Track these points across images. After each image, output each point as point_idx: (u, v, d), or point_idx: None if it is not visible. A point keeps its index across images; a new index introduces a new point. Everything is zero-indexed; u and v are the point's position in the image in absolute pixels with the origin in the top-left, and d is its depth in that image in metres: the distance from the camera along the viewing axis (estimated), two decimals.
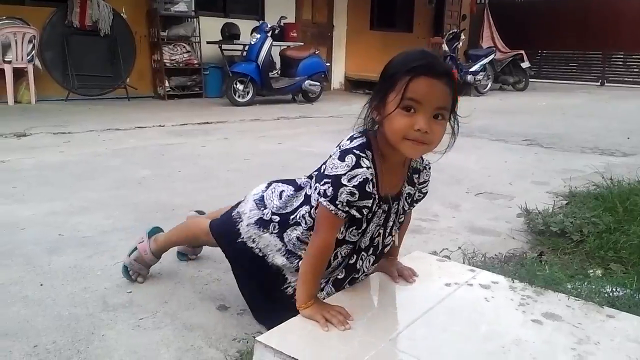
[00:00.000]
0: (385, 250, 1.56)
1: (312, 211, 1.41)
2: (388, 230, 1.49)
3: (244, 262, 1.57)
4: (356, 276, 1.53)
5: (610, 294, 1.71)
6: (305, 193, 1.47)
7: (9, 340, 1.51)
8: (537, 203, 2.76)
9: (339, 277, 1.51)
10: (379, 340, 1.26)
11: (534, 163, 4.21)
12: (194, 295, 1.82)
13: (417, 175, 1.51)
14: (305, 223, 1.44)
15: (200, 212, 2.12)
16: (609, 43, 13.64)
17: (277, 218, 1.50)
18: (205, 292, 1.84)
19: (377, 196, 1.36)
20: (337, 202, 1.29)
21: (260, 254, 1.52)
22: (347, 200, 1.29)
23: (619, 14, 13.38)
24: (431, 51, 1.33)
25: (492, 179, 3.63)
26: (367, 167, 1.29)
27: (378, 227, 1.46)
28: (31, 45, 6.89)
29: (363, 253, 1.49)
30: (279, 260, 1.50)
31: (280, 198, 1.53)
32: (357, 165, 1.28)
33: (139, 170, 3.62)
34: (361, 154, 1.30)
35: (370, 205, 1.34)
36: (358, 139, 1.34)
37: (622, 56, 14.35)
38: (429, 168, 1.53)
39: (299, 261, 1.47)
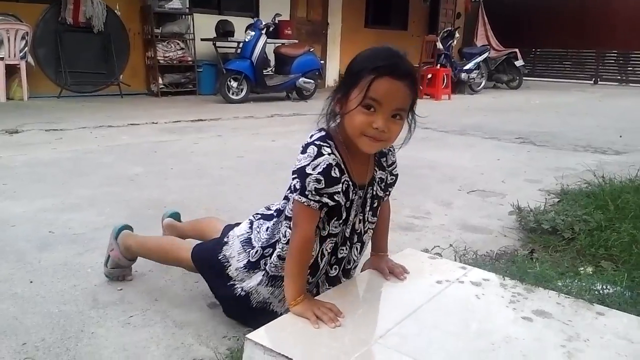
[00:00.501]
0: (367, 237, 1.57)
1: (291, 223, 1.42)
2: (365, 216, 1.51)
3: (233, 298, 1.55)
4: (347, 267, 1.54)
5: (601, 292, 1.72)
6: (285, 214, 1.47)
7: None
8: (529, 201, 2.77)
9: (330, 274, 1.51)
10: (370, 338, 1.26)
11: (527, 161, 4.22)
12: (184, 292, 1.81)
13: (384, 159, 1.53)
14: (285, 237, 1.44)
15: (174, 216, 2.09)
16: (603, 42, 13.71)
17: (268, 251, 1.49)
18: (196, 289, 1.83)
19: (350, 182, 1.38)
20: (306, 192, 1.31)
21: (243, 294, 1.51)
22: (315, 188, 1.31)
23: (613, 12, 13.45)
24: (397, 50, 1.35)
25: (485, 176, 3.63)
26: (329, 154, 1.33)
27: (357, 215, 1.47)
28: (24, 41, 6.85)
29: (348, 242, 1.50)
30: (264, 292, 1.49)
31: (267, 232, 1.52)
32: (319, 154, 1.33)
33: (132, 167, 3.60)
34: (322, 143, 1.34)
35: (340, 190, 1.35)
36: (317, 133, 1.38)
37: (615, 55, 14.45)
38: (394, 149, 1.55)
39: (282, 282, 1.45)
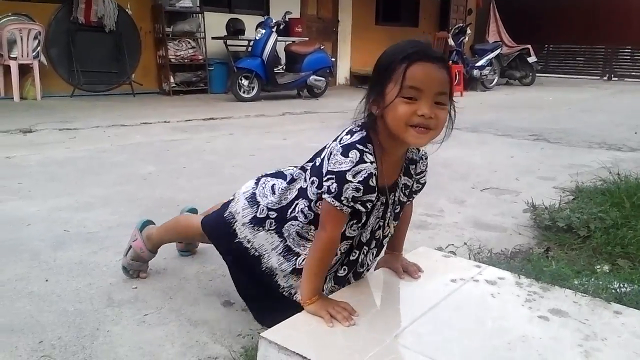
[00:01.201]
0: (384, 242, 1.55)
1: (311, 204, 1.40)
2: (386, 222, 1.48)
3: (241, 262, 1.55)
4: (360, 270, 1.53)
5: (618, 290, 1.70)
6: (301, 186, 1.45)
7: (14, 335, 1.51)
8: (544, 198, 2.75)
9: (339, 274, 1.50)
10: (384, 336, 1.25)
11: (540, 158, 4.19)
12: (198, 291, 1.82)
13: (413, 166, 1.50)
14: (305, 217, 1.42)
15: (193, 210, 2.10)
16: (616, 37, 13.55)
17: (273, 214, 1.48)
18: (210, 288, 1.84)
19: (377, 189, 1.35)
20: (342, 199, 1.28)
21: (256, 254, 1.50)
22: (353, 196, 1.28)
23: (627, 8, 13.29)
24: (421, 40, 1.33)
25: (498, 174, 3.61)
26: (371, 162, 1.28)
27: (377, 220, 1.45)
28: (36, 41, 6.91)
29: (365, 247, 1.48)
30: (274, 260, 1.48)
31: (274, 192, 1.51)
32: (361, 160, 1.27)
33: (144, 166, 3.62)
34: (364, 148, 1.29)
35: (373, 199, 1.34)
36: (358, 133, 1.32)
37: (629, 50, 14.28)
38: (426, 158, 1.52)
39: (296, 259, 1.46)
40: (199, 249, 2.12)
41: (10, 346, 1.46)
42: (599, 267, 1.96)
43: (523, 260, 2.00)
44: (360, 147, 1.29)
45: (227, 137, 4.95)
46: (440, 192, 3.04)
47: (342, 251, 1.45)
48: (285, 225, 1.46)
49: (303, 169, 1.47)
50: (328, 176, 1.30)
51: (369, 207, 1.35)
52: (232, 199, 1.61)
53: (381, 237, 1.50)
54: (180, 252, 2.10)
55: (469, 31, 10.70)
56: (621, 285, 1.73)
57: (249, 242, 1.51)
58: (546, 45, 15.04)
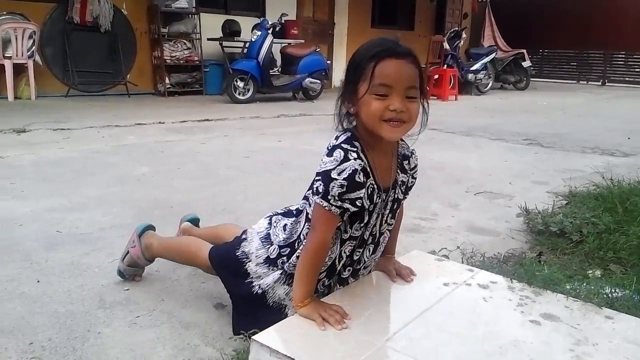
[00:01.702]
0: (382, 239, 1.55)
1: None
2: (384, 219, 1.49)
3: (249, 297, 1.53)
4: (358, 267, 1.53)
5: (609, 295, 1.70)
6: (306, 212, 1.46)
7: (4, 337, 1.50)
8: (537, 203, 2.75)
9: (343, 275, 1.50)
10: (376, 340, 1.25)
11: (534, 162, 4.20)
12: (190, 293, 1.81)
13: (407, 162, 1.51)
14: (305, 237, 1.42)
15: (194, 222, 2.08)
16: (611, 43, 13.63)
17: (285, 250, 1.48)
18: (202, 290, 1.83)
19: (375, 186, 1.36)
20: (329, 197, 1.29)
21: (260, 292, 1.49)
22: (339, 193, 1.29)
23: (621, 13, 13.37)
24: (390, 37, 1.35)
25: (492, 178, 3.62)
26: (355, 159, 1.30)
27: (378, 217, 1.45)
28: (31, 41, 6.88)
29: (364, 245, 1.49)
30: (280, 292, 1.48)
31: (285, 230, 1.51)
32: (345, 159, 1.30)
33: (139, 167, 3.61)
34: (349, 147, 1.32)
35: (364, 195, 1.34)
36: (342, 136, 1.36)
37: (623, 56, 14.36)
38: (415, 152, 1.53)
39: None
40: None
41: (0, 347, 1.45)
42: (591, 272, 1.96)
43: (516, 265, 2.01)
44: (345, 146, 1.32)
45: (222, 138, 4.95)
46: (434, 196, 3.05)
47: (348, 253, 1.45)
48: (293, 257, 1.46)
49: (305, 197, 1.47)
50: (315, 178, 1.32)
51: (360, 204, 1.35)
52: (244, 238, 1.59)
53: (378, 234, 1.51)
54: None
55: (464, 35, 10.73)
56: (613, 291, 1.74)
57: (260, 278, 1.50)
58: (540, 50, 15.11)
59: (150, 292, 1.81)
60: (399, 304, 1.49)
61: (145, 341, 1.50)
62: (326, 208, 1.30)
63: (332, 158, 1.30)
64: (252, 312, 1.55)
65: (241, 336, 1.45)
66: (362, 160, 1.32)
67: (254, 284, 1.51)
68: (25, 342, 1.48)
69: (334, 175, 1.29)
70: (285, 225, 1.52)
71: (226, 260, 1.60)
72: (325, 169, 1.30)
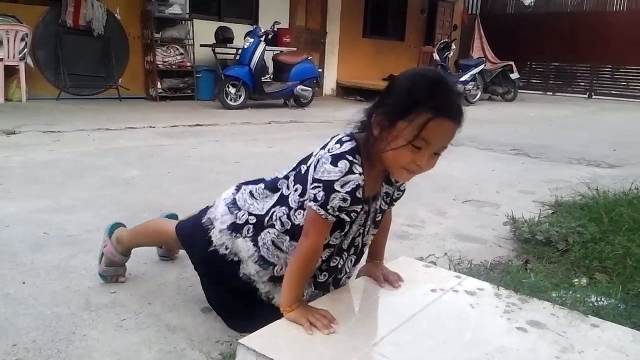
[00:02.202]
0: (365, 249, 1.56)
1: (290, 213, 1.40)
2: (367, 230, 1.49)
3: (214, 271, 1.54)
4: (339, 276, 1.53)
5: (595, 304, 1.72)
6: (281, 193, 1.45)
7: None
8: (524, 212, 2.78)
9: (319, 279, 1.50)
10: (363, 345, 1.25)
11: (521, 172, 4.24)
12: (177, 296, 1.80)
13: None
14: (282, 225, 1.42)
15: (172, 216, 2.07)
16: (597, 56, 13.81)
17: (253, 219, 1.47)
18: (190, 293, 1.82)
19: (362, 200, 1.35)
20: (328, 207, 1.28)
21: (236, 259, 1.50)
22: (340, 206, 1.28)
23: (608, 27, 13.55)
24: (453, 82, 1.30)
25: (479, 187, 3.64)
26: (360, 174, 1.28)
27: (359, 228, 1.46)
28: (23, 43, 6.83)
29: (344, 253, 1.49)
30: (252, 268, 1.48)
31: (253, 197, 1.51)
32: (350, 171, 1.27)
33: (128, 170, 3.59)
34: (354, 159, 1.28)
35: (358, 209, 1.34)
36: (348, 143, 1.32)
37: (609, 69, 14.55)
38: None
39: (272, 268, 1.46)
40: (180, 255, 2.10)
41: None
42: (577, 280, 1.98)
43: (502, 272, 2.02)
44: (350, 157, 1.28)
45: (213, 143, 4.94)
46: (421, 203, 3.06)
47: (324, 258, 1.45)
48: (262, 234, 1.45)
49: (286, 177, 1.47)
50: (315, 184, 1.29)
51: (354, 217, 1.35)
52: (211, 205, 1.60)
53: (360, 245, 1.51)
54: (161, 257, 2.08)
55: (453, 46, 10.82)
56: (598, 299, 1.75)
57: (226, 248, 1.50)
58: (529, 63, 15.26)
59: (136, 294, 1.80)
60: (386, 309, 1.50)
61: (131, 344, 1.49)
62: (322, 216, 1.29)
63: (337, 169, 1.27)
64: (220, 282, 1.54)
65: (228, 340, 1.45)
66: (362, 175, 1.29)
67: (218, 252, 1.50)
68: (8, 344, 1.46)
69: (337, 187, 1.27)
70: (252, 191, 1.51)
71: (192, 230, 1.60)
72: (328, 178, 1.27)
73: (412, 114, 1.21)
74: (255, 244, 1.46)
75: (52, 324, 1.57)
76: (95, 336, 1.52)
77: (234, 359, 1.28)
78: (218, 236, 1.51)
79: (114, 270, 1.86)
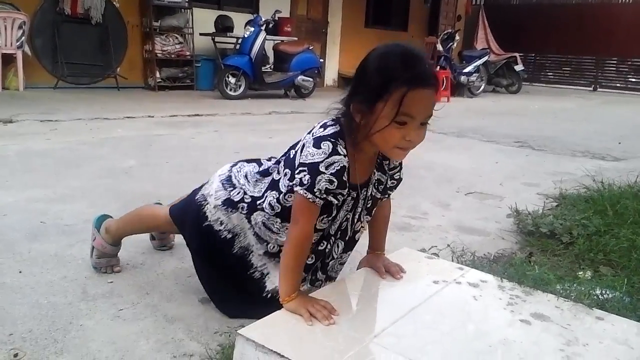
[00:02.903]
0: (356, 237, 1.55)
1: (280, 197, 1.41)
2: (357, 217, 1.48)
3: (208, 247, 1.54)
4: (327, 261, 1.52)
5: (600, 297, 1.70)
6: (273, 178, 1.46)
7: None
8: (527, 204, 2.75)
9: (308, 262, 1.48)
10: (364, 336, 1.23)
11: (525, 165, 4.20)
12: (175, 287, 1.78)
13: (387, 162, 1.49)
14: (272, 209, 1.43)
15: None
16: (602, 49, 13.73)
17: (248, 198, 1.48)
18: (188, 284, 1.80)
19: (348, 183, 1.35)
20: (315, 190, 1.28)
21: (229, 235, 1.50)
22: (326, 188, 1.28)
23: (613, 20, 13.48)
24: (419, 51, 1.29)
25: (483, 179, 3.61)
26: (344, 155, 1.29)
27: (346, 213, 1.45)
28: (21, 31, 6.78)
29: (332, 238, 1.49)
30: (250, 239, 1.49)
31: (247, 179, 1.51)
32: (334, 152, 1.28)
33: (126, 160, 3.56)
34: (337, 141, 1.29)
35: (344, 192, 1.34)
36: (331, 127, 1.33)
37: (615, 62, 14.46)
38: None
39: (266, 244, 1.47)
40: (177, 244, 2.07)
41: None
42: (581, 273, 1.96)
43: (506, 264, 2.00)
44: (333, 139, 1.29)
45: (212, 133, 4.90)
46: (424, 195, 3.03)
47: (312, 242, 1.44)
48: (254, 214, 1.46)
49: (278, 162, 1.47)
50: (300, 168, 1.30)
51: (340, 199, 1.34)
52: (205, 183, 1.59)
53: (349, 231, 1.50)
54: (157, 248, 2.06)
55: (457, 37, 10.74)
56: (603, 292, 1.73)
57: (221, 224, 1.50)
58: (533, 55, 15.18)
59: (134, 285, 1.77)
60: (388, 301, 1.47)
61: (128, 334, 1.47)
62: (310, 200, 1.29)
63: (320, 150, 1.28)
64: (212, 261, 1.54)
65: (226, 331, 1.42)
66: (346, 157, 1.30)
67: (213, 227, 1.50)
68: (4, 333, 1.44)
69: (321, 168, 1.27)
70: (247, 173, 1.52)
71: (185, 208, 1.60)
72: (311, 160, 1.28)
73: (387, 93, 1.21)
74: (249, 221, 1.47)
75: (48, 314, 1.55)
76: (92, 326, 1.50)
77: (233, 349, 1.26)
78: (212, 211, 1.51)
79: (106, 262, 1.84)
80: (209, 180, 1.60)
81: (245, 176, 1.52)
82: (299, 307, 1.29)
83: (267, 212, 1.43)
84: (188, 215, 1.57)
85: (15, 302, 1.61)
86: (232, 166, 1.57)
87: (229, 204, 1.49)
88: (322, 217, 1.39)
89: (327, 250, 1.50)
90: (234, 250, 1.50)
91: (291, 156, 1.39)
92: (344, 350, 1.17)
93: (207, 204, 1.52)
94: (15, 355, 1.35)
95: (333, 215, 1.40)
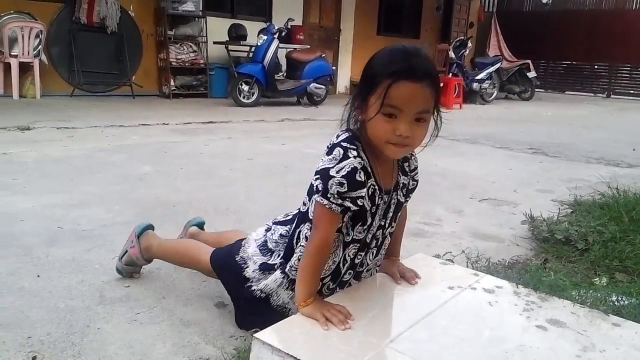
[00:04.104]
0: (386, 242, 1.54)
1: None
2: (388, 222, 1.47)
3: (251, 304, 1.52)
4: (360, 270, 1.51)
5: (616, 303, 1.68)
6: (300, 211, 1.45)
7: (2, 330, 1.48)
8: (542, 211, 2.73)
9: (344, 278, 1.48)
10: (380, 341, 1.23)
11: (539, 171, 4.18)
12: (192, 291, 1.79)
13: (407, 164, 1.50)
14: (305, 238, 1.41)
15: (200, 225, 2.05)
16: (616, 55, 13.63)
17: (283, 252, 1.48)
18: (203, 288, 1.81)
19: (377, 187, 1.35)
20: (328, 195, 1.28)
21: (263, 295, 1.48)
22: (338, 191, 1.28)
23: (626, 26, 13.38)
24: (414, 47, 1.30)
25: (497, 185, 3.60)
26: (355, 157, 1.29)
27: (380, 220, 1.44)
28: (38, 40, 6.90)
29: (367, 248, 1.47)
30: (284, 296, 1.47)
31: (282, 238, 1.51)
32: (345, 157, 1.29)
33: (141, 167, 3.60)
34: (349, 145, 1.30)
35: (365, 195, 1.32)
36: (343, 134, 1.34)
37: (628, 68, 14.34)
38: (415, 154, 1.52)
39: None
40: None
41: None
42: (597, 279, 1.94)
43: (521, 271, 1.99)
44: (345, 144, 1.30)
45: (226, 140, 4.94)
46: (438, 201, 3.03)
47: (351, 256, 1.43)
48: (291, 259, 1.44)
49: (304, 202, 1.46)
50: (315, 177, 1.31)
51: (361, 204, 1.33)
52: (244, 245, 1.58)
53: (381, 237, 1.49)
54: None
55: (469, 44, 10.72)
56: (619, 298, 1.71)
57: (258, 286, 1.49)
58: (546, 61, 15.10)
59: (150, 289, 1.79)
60: (403, 306, 1.47)
61: (145, 338, 1.48)
62: (326, 206, 1.29)
63: (331, 157, 1.30)
64: (255, 316, 1.53)
65: (242, 335, 1.43)
66: (362, 159, 1.30)
67: (253, 288, 1.49)
68: (23, 336, 1.46)
69: (332, 173, 1.28)
70: (281, 234, 1.52)
71: (227, 264, 1.58)
72: (323, 167, 1.29)
73: (376, 87, 1.24)
74: (283, 271, 1.46)
75: (66, 317, 1.57)
76: (109, 330, 1.52)
77: (249, 353, 1.27)
78: (252, 275, 1.51)
79: (132, 269, 1.86)
80: (247, 238, 1.59)
81: (282, 235, 1.51)
82: (314, 312, 1.29)
83: (301, 245, 1.42)
84: (230, 274, 1.56)
85: (33, 306, 1.63)
86: (266, 229, 1.57)
87: (266, 268, 1.49)
88: (357, 226, 1.38)
89: (362, 261, 1.48)
90: (273, 306, 1.48)
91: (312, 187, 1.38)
92: (359, 355, 1.17)
93: (247, 267, 1.52)
94: (34, 358, 1.37)
95: (369, 223, 1.39)
